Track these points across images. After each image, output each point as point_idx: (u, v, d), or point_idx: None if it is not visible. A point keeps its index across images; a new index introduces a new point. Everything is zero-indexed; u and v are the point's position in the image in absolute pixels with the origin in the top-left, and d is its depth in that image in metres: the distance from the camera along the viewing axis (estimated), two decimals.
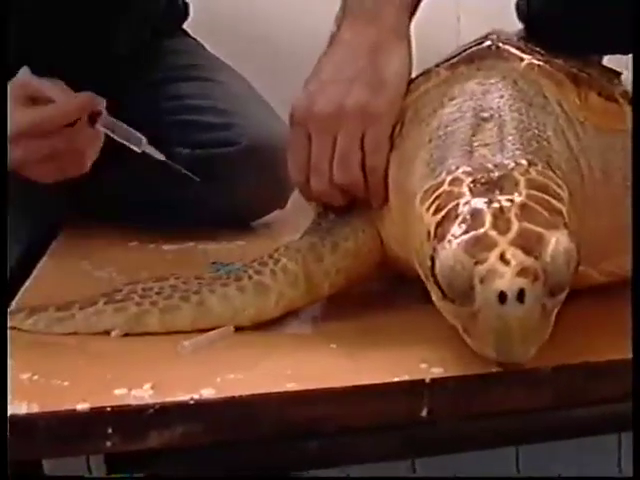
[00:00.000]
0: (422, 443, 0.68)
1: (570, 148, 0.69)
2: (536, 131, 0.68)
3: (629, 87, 0.81)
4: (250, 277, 0.73)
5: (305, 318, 0.74)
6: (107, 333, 0.71)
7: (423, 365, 0.62)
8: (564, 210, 0.59)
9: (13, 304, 0.77)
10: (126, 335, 0.71)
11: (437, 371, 0.61)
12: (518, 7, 1.05)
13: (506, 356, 0.58)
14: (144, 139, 0.93)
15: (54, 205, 1.14)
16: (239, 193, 1.10)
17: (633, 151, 0.70)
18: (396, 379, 0.61)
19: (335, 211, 0.78)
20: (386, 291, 0.78)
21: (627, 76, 1.58)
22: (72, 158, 0.92)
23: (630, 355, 0.63)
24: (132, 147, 0.93)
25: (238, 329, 0.71)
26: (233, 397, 0.58)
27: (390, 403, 0.61)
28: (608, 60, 1.08)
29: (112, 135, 0.92)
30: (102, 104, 0.92)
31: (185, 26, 1.33)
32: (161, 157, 0.93)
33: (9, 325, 0.72)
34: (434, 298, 0.62)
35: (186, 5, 1.32)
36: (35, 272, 0.89)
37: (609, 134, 0.73)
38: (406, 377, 0.61)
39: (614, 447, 1.10)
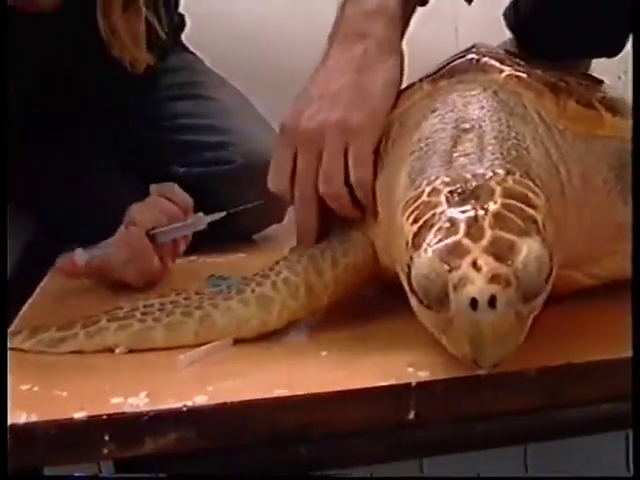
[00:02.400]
0: (413, 445, 0.69)
1: (549, 156, 0.71)
2: (515, 140, 0.69)
3: (617, 91, 0.83)
4: (252, 290, 0.74)
5: (298, 327, 0.76)
6: (111, 350, 0.72)
7: (410, 369, 0.64)
8: (539, 218, 0.60)
9: (16, 321, 0.80)
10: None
11: (423, 375, 0.63)
12: (506, 17, 1.07)
13: (480, 360, 0.59)
14: (200, 214, 0.95)
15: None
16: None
17: (633, 153, 0.71)
18: (383, 383, 0.62)
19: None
20: (376, 299, 0.80)
21: (625, 81, 1.60)
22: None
23: (614, 356, 0.65)
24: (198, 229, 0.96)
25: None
26: (224, 403, 0.61)
27: (377, 407, 0.62)
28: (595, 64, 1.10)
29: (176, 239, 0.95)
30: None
31: (184, 39, 1.36)
32: (221, 214, 0.96)
33: (10, 346, 0.73)
34: (413, 306, 0.64)
35: (182, 17, 1.35)
36: (37, 289, 0.92)
37: (588, 140, 0.74)
38: (393, 381, 0.62)
39: (622, 446, 1.10)
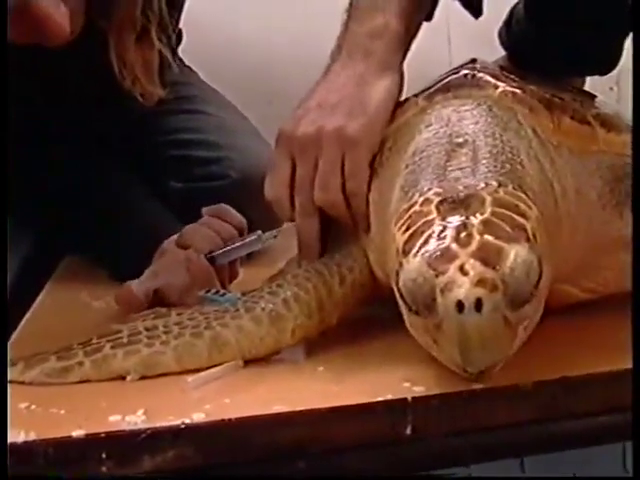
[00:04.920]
0: (411, 459, 0.69)
1: (544, 171, 0.71)
2: (509, 155, 0.70)
3: (612, 106, 0.83)
4: (263, 308, 0.73)
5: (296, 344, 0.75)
6: (122, 378, 0.70)
7: (406, 384, 0.64)
8: (528, 227, 0.61)
9: (14, 336, 0.80)
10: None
11: (419, 390, 0.63)
12: (500, 36, 1.08)
13: (468, 365, 0.60)
14: (259, 232, 0.93)
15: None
16: None
17: (633, 156, 0.72)
18: (380, 398, 0.63)
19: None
20: (371, 314, 0.80)
21: (617, 91, 1.60)
22: None
23: (609, 368, 0.66)
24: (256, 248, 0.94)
25: None
26: (222, 420, 0.61)
27: (374, 422, 0.63)
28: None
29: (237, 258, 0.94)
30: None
31: (180, 53, 1.37)
32: (277, 231, 0.94)
33: (9, 379, 0.69)
34: (404, 316, 0.64)
35: (179, 31, 1.35)
36: (35, 304, 0.92)
37: (583, 156, 0.75)
38: (389, 396, 0.63)
39: (619, 453, 1.10)
